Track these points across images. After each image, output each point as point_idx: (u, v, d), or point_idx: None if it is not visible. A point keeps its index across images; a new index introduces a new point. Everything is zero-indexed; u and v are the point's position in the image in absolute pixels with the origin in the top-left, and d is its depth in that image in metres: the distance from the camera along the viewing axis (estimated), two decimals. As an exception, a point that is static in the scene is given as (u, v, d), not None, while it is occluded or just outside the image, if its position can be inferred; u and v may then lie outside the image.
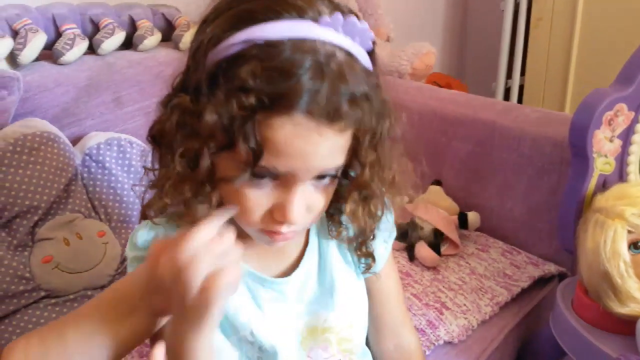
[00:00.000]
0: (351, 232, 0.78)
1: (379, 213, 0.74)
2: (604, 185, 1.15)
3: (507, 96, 2.57)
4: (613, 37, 2.00)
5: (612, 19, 2.02)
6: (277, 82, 0.55)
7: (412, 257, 1.42)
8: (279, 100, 0.56)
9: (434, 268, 1.39)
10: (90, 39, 1.44)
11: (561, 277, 1.39)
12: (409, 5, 2.55)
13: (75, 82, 1.37)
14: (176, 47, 1.54)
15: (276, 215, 0.62)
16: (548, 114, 1.47)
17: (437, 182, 1.59)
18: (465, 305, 1.26)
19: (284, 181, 0.61)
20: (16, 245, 1.16)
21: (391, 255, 0.88)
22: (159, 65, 1.48)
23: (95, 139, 1.34)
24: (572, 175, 1.15)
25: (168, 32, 1.58)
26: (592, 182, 1.14)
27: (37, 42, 1.31)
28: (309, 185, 0.63)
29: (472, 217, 1.46)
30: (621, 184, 1.12)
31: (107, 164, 1.32)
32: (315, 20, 0.58)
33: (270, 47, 0.56)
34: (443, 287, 1.32)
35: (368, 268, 0.82)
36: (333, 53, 0.58)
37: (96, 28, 1.47)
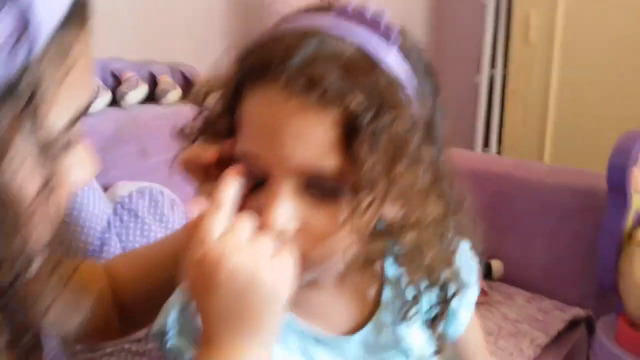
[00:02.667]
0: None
1: (426, 258, 0.59)
2: (639, 223, 1.22)
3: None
4: (589, 103, 2.16)
5: (585, 94, 2.19)
6: (258, 51, 0.54)
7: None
8: (256, 68, 0.53)
9: (467, 316, 1.40)
10: (113, 91, 1.43)
11: (587, 321, 1.43)
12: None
13: (101, 132, 1.34)
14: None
15: (261, 219, 0.53)
16: (558, 166, 1.55)
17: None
18: (507, 348, 1.27)
19: (270, 181, 0.54)
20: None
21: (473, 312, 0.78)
22: (182, 120, 1.47)
23: (125, 188, 1.30)
24: (611, 214, 1.21)
25: (186, 89, 1.59)
26: (630, 219, 1.20)
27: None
28: (301, 195, 0.53)
29: (497, 265, 1.49)
30: (660, 219, 1.19)
31: (140, 213, 1.27)
32: (330, 10, 0.56)
33: (272, 30, 0.56)
34: (483, 332, 1.32)
35: (437, 352, 0.69)
36: (335, 37, 0.53)
37: (118, 81, 1.46)
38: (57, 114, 0.40)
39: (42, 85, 0.38)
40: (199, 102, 0.61)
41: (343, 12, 0.55)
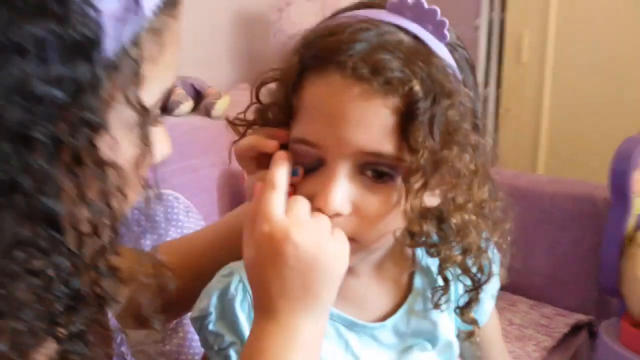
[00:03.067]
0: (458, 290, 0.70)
1: (470, 240, 0.62)
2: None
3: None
4: (580, 119, 2.23)
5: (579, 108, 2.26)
6: (319, 41, 0.56)
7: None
8: (317, 56, 0.55)
9: (472, 321, 1.43)
10: (126, 102, 1.46)
11: (588, 326, 1.47)
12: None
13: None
14: (207, 114, 1.58)
15: (315, 203, 0.56)
16: (556, 177, 1.61)
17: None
18: (515, 351, 1.30)
19: (324, 165, 0.57)
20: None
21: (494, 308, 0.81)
22: (195, 130, 1.51)
23: (142, 193, 1.32)
24: (613, 217, 1.26)
25: (197, 101, 1.62)
26: (632, 222, 1.25)
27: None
28: (355, 178, 0.56)
29: (500, 273, 1.53)
30: (660, 222, 1.24)
31: (157, 218, 1.30)
32: (383, 6, 0.59)
33: (330, 20, 0.60)
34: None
35: (468, 336, 0.73)
36: (393, 29, 0.56)
37: (130, 93, 1.49)
38: (149, 91, 0.42)
39: (142, 60, 0.41)
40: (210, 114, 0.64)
41: (396, 8, 0.58)
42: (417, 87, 0.53)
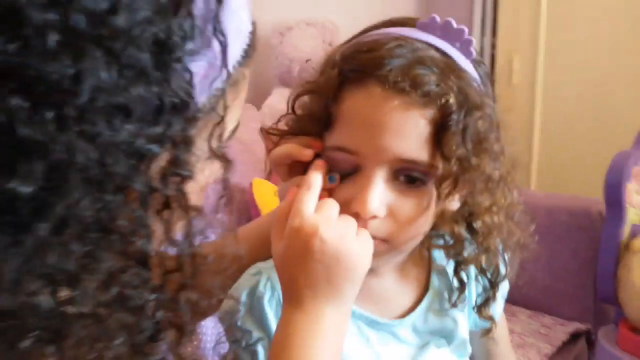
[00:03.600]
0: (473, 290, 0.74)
1: (492, 240, 0.66)
2: (633, 235, 1.33)
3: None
4: (570, 138, 2.30)
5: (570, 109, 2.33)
6: (358, 56, 0.60)
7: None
8: (357, 70, 0.59)
9: (475, 331, 1.47)
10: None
11: (586, 334, 1.52)
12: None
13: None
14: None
15: (352, 207, 0.59)
16: (552, 193, 1.67)
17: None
18: (517, 358, 1.34)
19: (360, 172, 0.60)
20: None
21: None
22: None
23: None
24: (609, 227, 1.32)
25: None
26: (626, 231, 1.31)
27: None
28: (390, 184, 0.60)
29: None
30: (653, 229, 1.30)
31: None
32: (414, 25, 0.63)
33: (367, 39, 0.63)
34: (493, 343, 1.40)
35: (486, 333, 0.76)
36: (425, 46, 0.60)
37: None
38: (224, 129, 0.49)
39: (223, 111, 0.47)
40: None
41: (426, 27, 0.62)
42: (452, 100, 0.57)
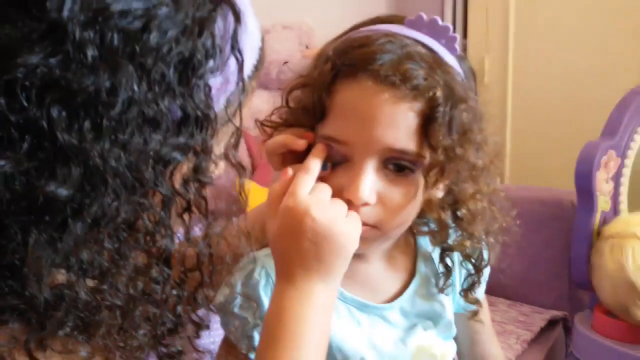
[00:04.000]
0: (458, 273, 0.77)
1: (476, 227, 0.70)
2: (604, 222, 1.38)
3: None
4: (540, 133, 2.37)
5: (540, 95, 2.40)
6: (350, 51, 0.62)
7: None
8: (349, 64, 0.61)
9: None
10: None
11: (563, 320, 1.57)
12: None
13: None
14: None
15: (344, 194, 0.62)
16: (525, 185, 1.72)
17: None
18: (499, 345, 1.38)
19: (352, 161, 0.63)
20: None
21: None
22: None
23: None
24: (580, 215, 1.37)
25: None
26: (597, 219, 1.36)
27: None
28: (380, 172, 0.63)
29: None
30: (621, 216, 1.36)
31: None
32: (401, 22, 0.66)
33: (358, 35, 0.65)
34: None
35: (473, 315, 0.81)
36: (412, 43, 0.63)
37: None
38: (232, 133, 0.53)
39: (241, 118, 0.52)
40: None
41: (413, 24, 0.65)
42: (439, 93, 0.60)
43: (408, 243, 0.79)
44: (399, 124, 0.61)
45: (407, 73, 0.59)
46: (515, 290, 1.65)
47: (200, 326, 0.52)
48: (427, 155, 0.62)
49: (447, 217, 0.68)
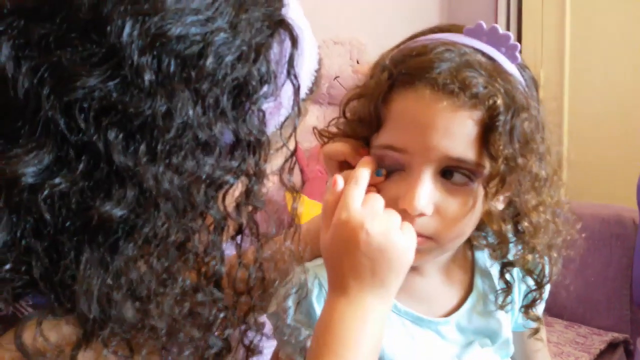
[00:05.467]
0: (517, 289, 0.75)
1: (538, 240, 0.67)
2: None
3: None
4: (597, 150, 2.30)
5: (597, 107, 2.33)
6: (408, 60, 0.62)
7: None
8: (407, 73, 0.61)
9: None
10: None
11: (624, 344, 1.50)
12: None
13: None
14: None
15: (400, 203, 0.61)
16: (584, 201, 1.67)
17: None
18: (555, 368, 1.34)
19: (408, 170, 0.62)
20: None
21: None
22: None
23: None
24: (644, 233, 1.31)
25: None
26: (661, 237, 1.30)
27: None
28: (437, 182, 0.62)
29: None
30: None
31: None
32: (460, 31, 0.65)
33: (416, 44, 0.65)
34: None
35: (534, 332, 0.78)
36: (472, 51, 0.62)
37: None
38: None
39: (296, 142, 0.53)
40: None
41: (473, 33, 0.64)
42: (499, 102, 0.59)
43: (465, 257, 0.77)
44: (457, 133, 0.60)
45: (465, 81, 0.58)
46: (573, 310, 1.59)
47: (253, 351, 0.52)
48: (487, 165, 0.61)
49: (508, 229, 0.66)
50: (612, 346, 1.48)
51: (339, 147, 0.67)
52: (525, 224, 0.66)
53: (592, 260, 1.55)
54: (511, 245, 0.68)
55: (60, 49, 0.38)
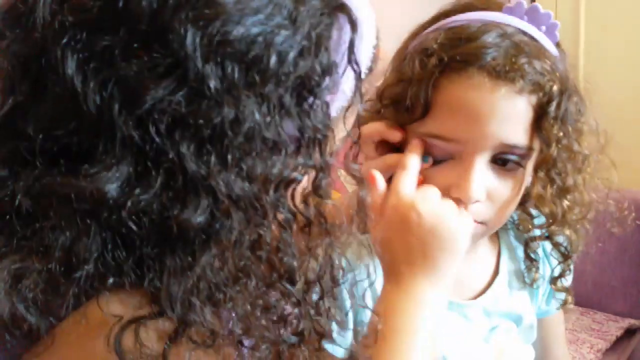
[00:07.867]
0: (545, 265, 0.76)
1: (571, 215, 0.68)
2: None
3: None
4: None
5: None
6: (457, 45, 0.60)
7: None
8: (458, 58, 0.59)
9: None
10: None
11: (641, 330, 1.48)
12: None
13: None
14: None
15: (453, 192, 0.61)
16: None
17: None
18: (570, 354, 1.31)
19: (459, 158, 0.61)
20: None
21: None
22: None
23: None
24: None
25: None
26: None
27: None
28: (488, 168, 0.61)
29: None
30: None
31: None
32: (497, 9, 0.63)
33: (457, 25, 0.63)
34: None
35: (564, 304, 0.79)
36: (516, 31, 0.61)
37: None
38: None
39: (359, 129, 0.52)
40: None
41: (512, 11, 0.63)
42: (555, 87, 0.59)
43: (492, 239, 0.76)
44: (515, 119, 0.59)
45: (522, 67, 0.58)
46: (588, 296, 1.57)
47: (324, 337, 0.52)
48: (536, 147, 0.61)
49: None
50: (629, 332, 1.46)
51: (376, 127, 0.66)
52: (567, 202, 0.66)
53: (607, 244, 1.53)
54: (535, 220, 0.69)
55: (125, 61, 0.38)
